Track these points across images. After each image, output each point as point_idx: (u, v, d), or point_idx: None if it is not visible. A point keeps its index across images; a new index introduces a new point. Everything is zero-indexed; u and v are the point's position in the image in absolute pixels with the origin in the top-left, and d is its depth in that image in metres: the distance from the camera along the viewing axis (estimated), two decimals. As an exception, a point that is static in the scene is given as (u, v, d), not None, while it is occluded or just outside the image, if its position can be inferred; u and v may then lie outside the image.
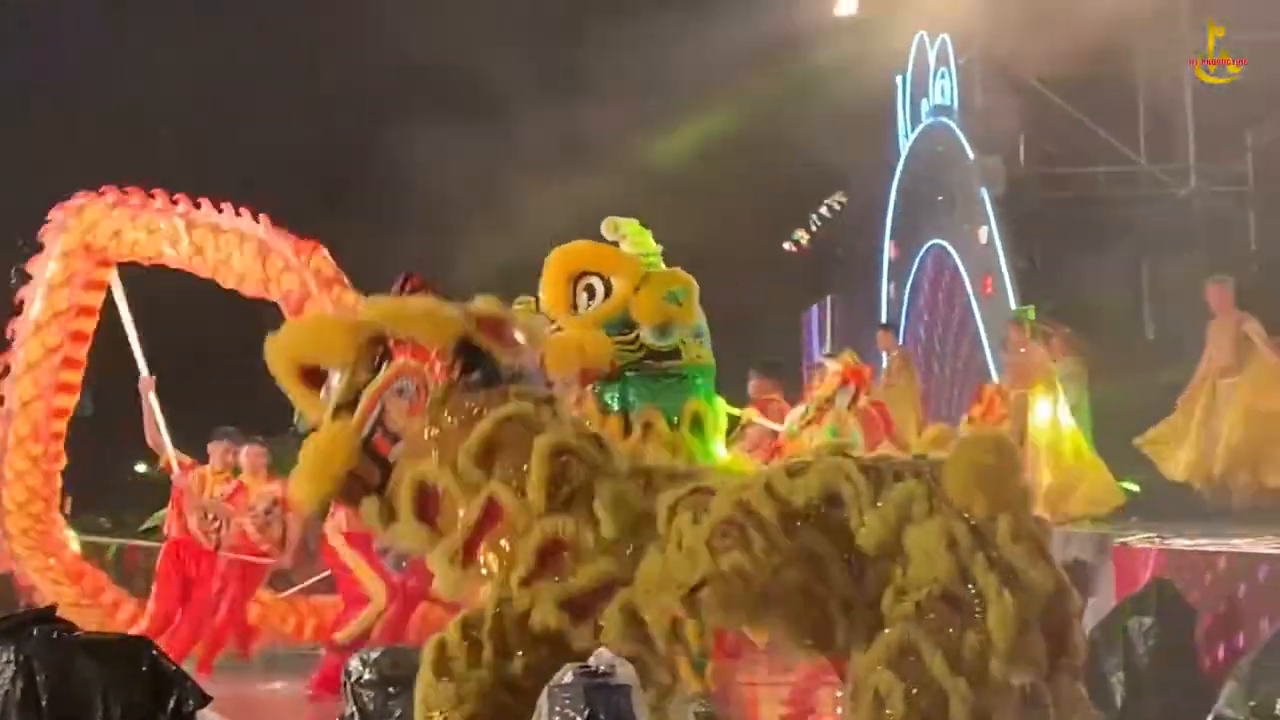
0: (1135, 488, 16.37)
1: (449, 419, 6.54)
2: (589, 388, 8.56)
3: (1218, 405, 15.66)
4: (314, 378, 6.71)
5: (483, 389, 6.59)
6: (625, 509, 6.32)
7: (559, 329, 8.46)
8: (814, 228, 28.61)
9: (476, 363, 6.63)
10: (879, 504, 6.09)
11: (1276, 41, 19.73)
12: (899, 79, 24.62)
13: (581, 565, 6.29)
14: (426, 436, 6.54)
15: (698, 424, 8.50)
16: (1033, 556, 6.12)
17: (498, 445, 6.44)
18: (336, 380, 6.65)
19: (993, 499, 6.09)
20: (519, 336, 6.76)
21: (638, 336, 8.41)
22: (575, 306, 8.42)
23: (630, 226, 8.94)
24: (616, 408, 8.54)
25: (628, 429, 8.45)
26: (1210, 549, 10.88)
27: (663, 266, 8.84)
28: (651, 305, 8.31)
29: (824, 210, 28.68)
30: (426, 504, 6.54)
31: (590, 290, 8.29)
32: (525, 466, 6.39)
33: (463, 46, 20.93)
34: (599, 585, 6.28)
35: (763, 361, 16.34)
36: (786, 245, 23.17)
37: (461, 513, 6.47)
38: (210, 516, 14.70)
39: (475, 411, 6.52)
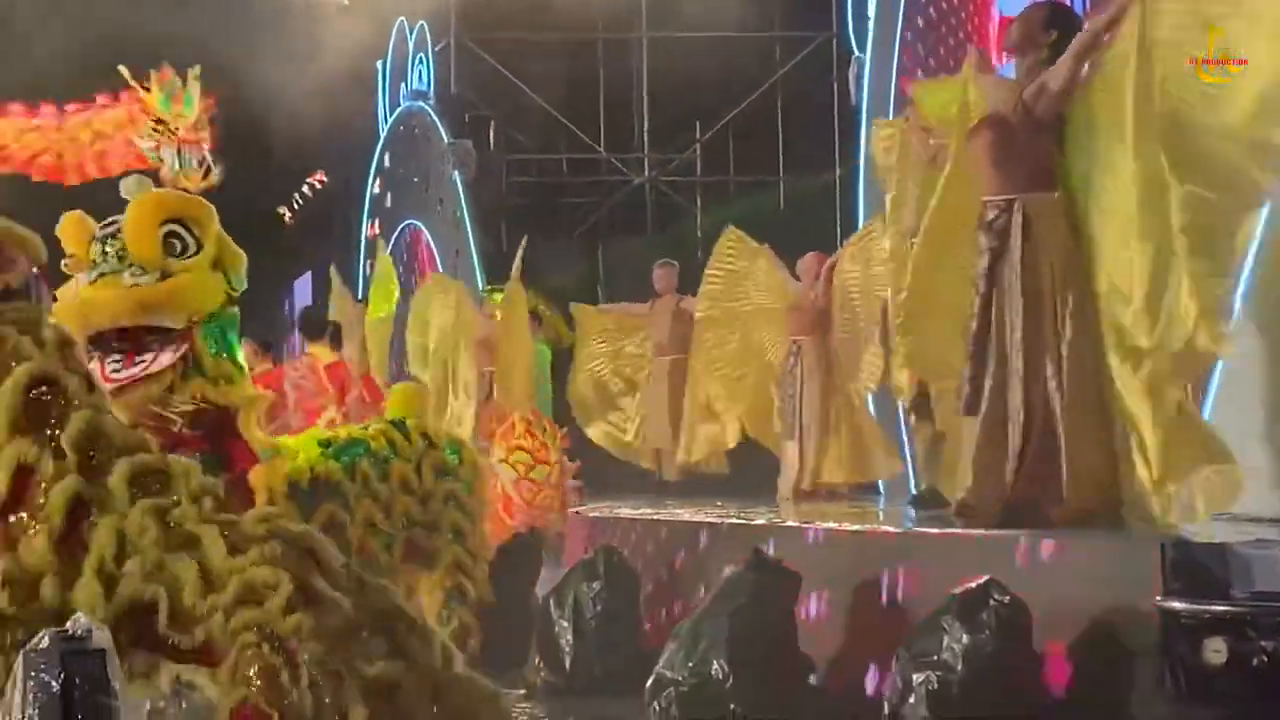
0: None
1: None
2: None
3: (654, 381, 15.97)
4: None
5: None
6: (92, 440, 5.83)
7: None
8: (297, 205, 28.23)
9: None
10: None
11: (723, 40, 20.22)
12: (380, 63, 24.45)
13: (50, 492, 5.75)
14: None
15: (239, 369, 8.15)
16: None
17: None
18: None
19: None
20: (14, 252, 6.10)
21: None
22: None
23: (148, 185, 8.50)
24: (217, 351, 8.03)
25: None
26: (655, 518, 11.06)
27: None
28: (234, 253, 7.92)
29: (305, 189, 28.33)
30: None
31: (179, 239, 7.79)
32: None
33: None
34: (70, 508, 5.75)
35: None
36: (285, 212, 22.70)
37: None
38: None
39: None
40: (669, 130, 21.54)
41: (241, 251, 7.93)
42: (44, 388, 5.88)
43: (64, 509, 5.72)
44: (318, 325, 14.54)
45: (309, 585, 5.66)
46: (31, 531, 5.75)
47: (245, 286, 7.98)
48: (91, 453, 5.84)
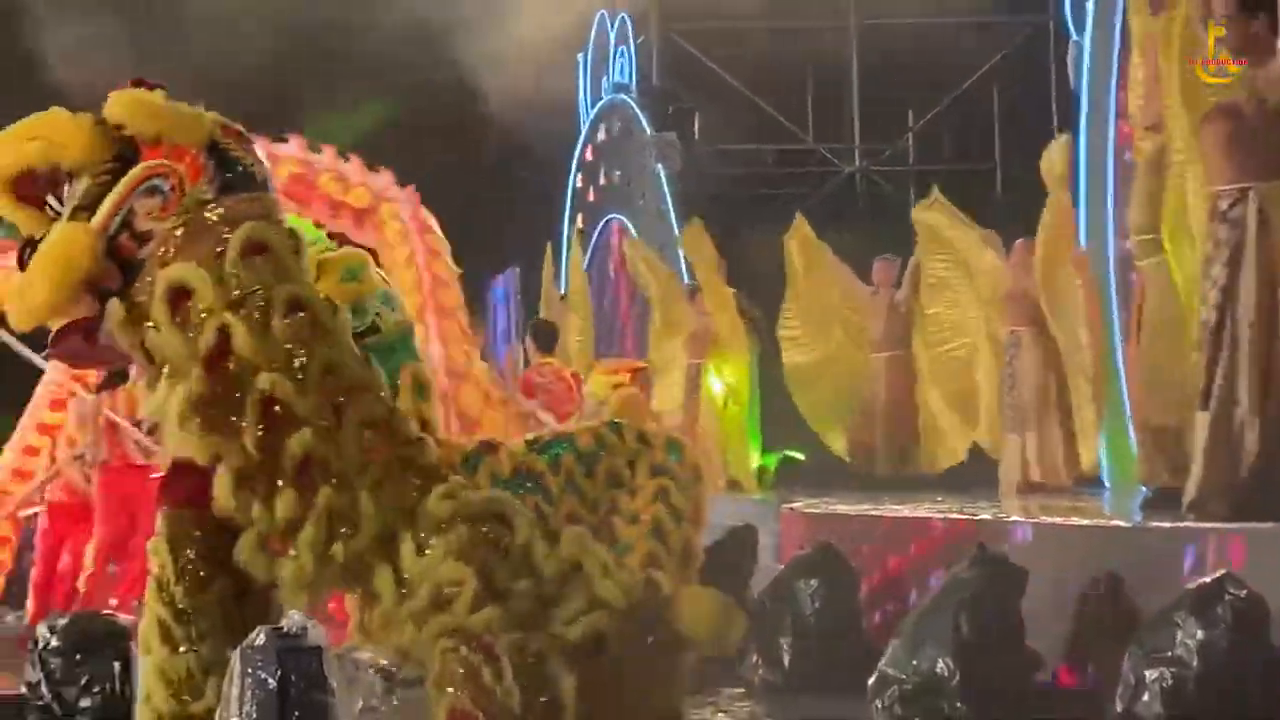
0: (800, 456, 16.69)
1: (205, 220, 5.97)
2: None
3: (871, 379, 16.00)
4: (29, 191, 6.05)
5: (239, 194, 6.06)
6: (337, 379, 5.94)
7: None
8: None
9: (230, 166, 6.09)
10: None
11: (936, 26, 20.17)
12: (580, 57, 24.63)
13: (289, 433, 5.82)
14: (180, 238, 5.94)
15: (420, 387, 8.29)
16: None
17: (242, 267, 5.92)
18: (77, 183, 6.01)
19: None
20: (260, 151, 6.28)
21: None
22: None
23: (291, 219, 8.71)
24: None
25: None
26: (873, 514, 11.09)
27: (332, 249, 8.57)
28: (335, 291, 8.05)
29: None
30: (179, 308, 5.91)
31: None
32: (265, 303, 5.89)
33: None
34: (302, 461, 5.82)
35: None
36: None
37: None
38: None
39: (230, 217, 5.99)
40: (880, 119, 21.51)
41: (373, 281, 8.00)
42: (301, 313, 5.98)
43: (298, 463, 5.80)
44: (549, 337, 14.81)
45: (494, 576, 5.78)
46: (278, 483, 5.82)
47: (368, 320, 8.06)
48: (334, 395, 5.92)
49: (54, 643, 8.81)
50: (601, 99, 24.04)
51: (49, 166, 6.06)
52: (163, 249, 5.97)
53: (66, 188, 6.07)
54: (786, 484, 16.02)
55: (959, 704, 7.91)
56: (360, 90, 21.77)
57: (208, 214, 5.98)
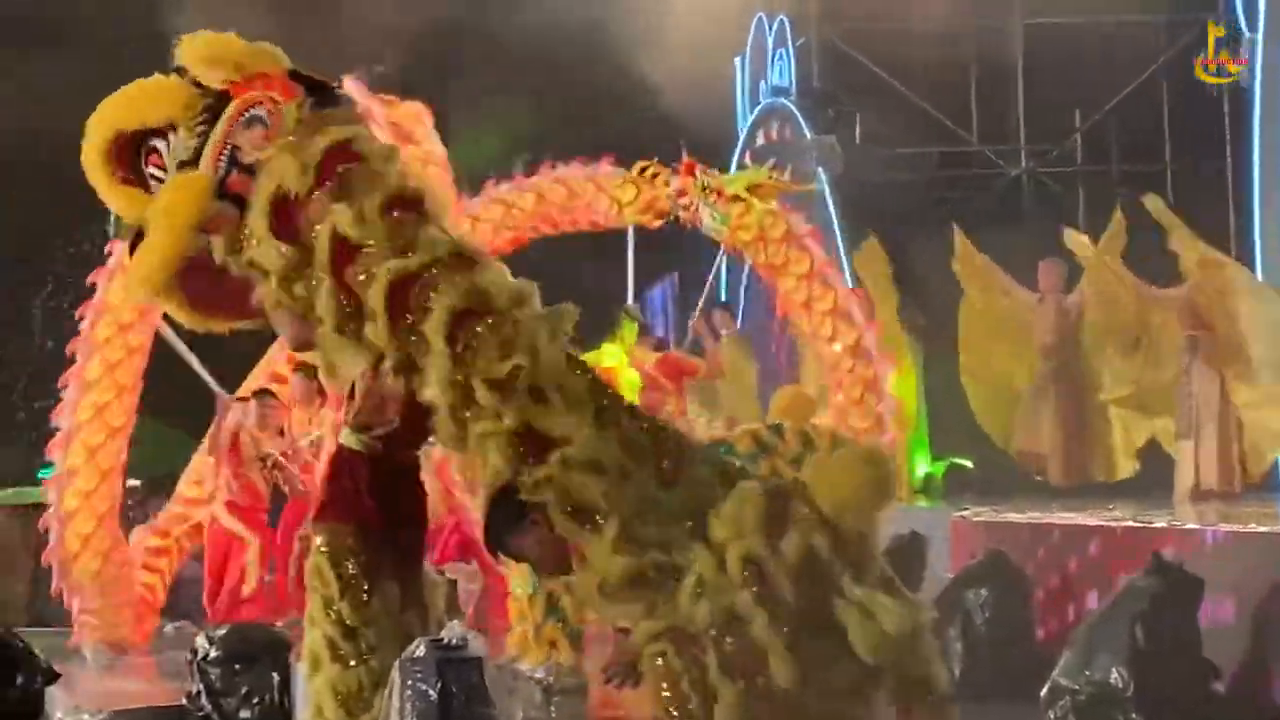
0: (969, 463, 16.59)
1: (307, 132, 6.12)
2: None
3: (1040, 384, 15.87)
4: (127, 162, 6.20)
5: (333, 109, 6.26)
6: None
7: None
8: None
9: (316, 87, 6.27)
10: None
11: (1104, 24, 19.98)
12: (738, 60, 24.63)
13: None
14: (285, 151, 6.08)
15: None
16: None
17: (349, 168, 6.06)
18: (175, 142, 6.15)
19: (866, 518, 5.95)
20: None
21: None
22: None
23: None
24: None
25: None
26: (1043, 522, 11.01)
27: None
28: None
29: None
30: (287, 220, 6.04)
31: None
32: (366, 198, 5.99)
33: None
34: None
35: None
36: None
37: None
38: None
39: (329, 125, 6.15)
40: (1046, 119, 21.30)
41: None
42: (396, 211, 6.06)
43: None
44: None
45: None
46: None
47: None
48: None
49: (213, 653, 8.89)
50: (760, 102, 24.02)
51: (138, 125, 6.16)
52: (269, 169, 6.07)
53: (166, 154, 6.16)
54: (956, 492, 15.96)
55: (1134, 714, 7.85)
56: (512, 88, 21.93)
57: (306, 130, 6.09)
